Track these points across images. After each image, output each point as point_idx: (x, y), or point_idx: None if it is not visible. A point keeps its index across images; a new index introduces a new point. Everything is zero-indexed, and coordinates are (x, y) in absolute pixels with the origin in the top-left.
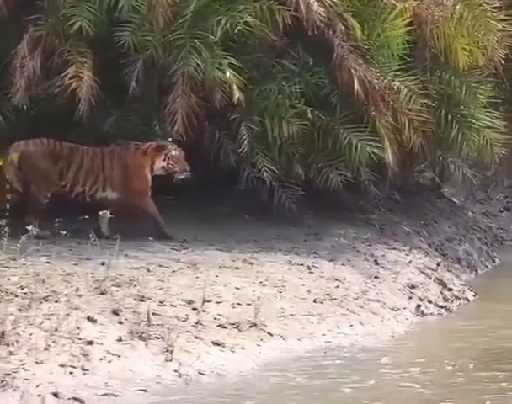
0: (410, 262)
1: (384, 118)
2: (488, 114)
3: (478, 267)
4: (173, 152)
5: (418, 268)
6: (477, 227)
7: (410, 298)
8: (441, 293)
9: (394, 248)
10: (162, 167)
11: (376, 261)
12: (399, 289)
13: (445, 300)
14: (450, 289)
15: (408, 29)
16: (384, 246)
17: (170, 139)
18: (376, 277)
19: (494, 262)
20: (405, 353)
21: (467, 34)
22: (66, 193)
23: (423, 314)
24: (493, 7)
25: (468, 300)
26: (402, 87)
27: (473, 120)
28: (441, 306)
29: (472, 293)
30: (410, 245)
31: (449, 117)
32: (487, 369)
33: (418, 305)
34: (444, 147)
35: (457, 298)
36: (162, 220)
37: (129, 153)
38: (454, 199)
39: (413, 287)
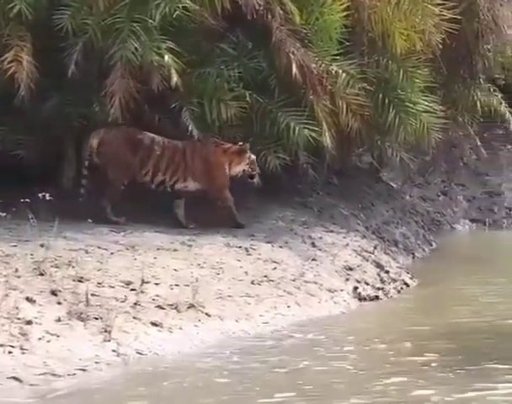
0: (347, 244)
1: (322, 102)
2: (425, 98)
3: (415, 250)
4: (252, 156)
5: (355, 250)
6: (415, 211)
7: (347, 280)
8: (378, 275)
9: (332, 231)
10: (244, 170)
11: (313, 243)
12: (336, 271)
13: (382, 282)
14: (387, 272)
15: (345, 13)
16: (322, 228)
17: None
18: (313, 259)
19: (431, 245)
20: (341, 334)
21: (405, 18)
22: (148, 181)
23: (360, 296)
24: None
25: (405, 283)
26: (340, 71)
27: (410, 105)
28: (378, 288)
29: (409, 275)
30: (348, 228)
31: (386, 101)
32: (420, 348)
33: (355, 287)
34: (381, 131)
35: (394, 280)
36: (236, 211)
37: (210, 149)
38: (391, 183)
39: (350, 269)
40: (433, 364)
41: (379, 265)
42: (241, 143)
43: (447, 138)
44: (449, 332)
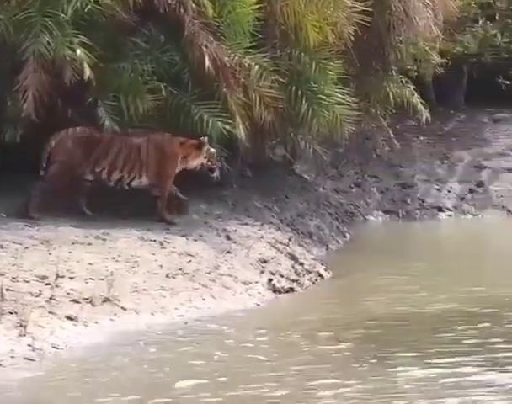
0: (262, 237)
1: (235, 94)
2: (337, 90)
3: (329, 242)
4: (212, 150)
5: (269, 242)
6: (328, 203)
7: (262, 272)
8: (293, 267)
9: (246, 224)
10: (202, 164)
11: (228, 236)
12: (251, 264)
13: (297, 274)
14: (301, 264)
15: (258, 6)
16: (236, 221)
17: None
18: (228, 252)
19: (345, 237)
20: (255, 326)
21: (317, 11)
22: (105, 179)
23: (274, 288)
24: None
25: (319, 275)
26: (253, 64)
27: (323, 97)
28: (293, 280)
29: (323, 267)
30: (262, 220)
31: (299, 93)
32: (333, 338)
33: (270, 279)
34: (295, 124)
35: (308, 272)
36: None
37: (166, 142)
38: (305, 176)
39: (264, 261)
40: (346, 353)
41: (293, 257)
42: (201, 137)
43: (360, 130)
44: (362, 321)
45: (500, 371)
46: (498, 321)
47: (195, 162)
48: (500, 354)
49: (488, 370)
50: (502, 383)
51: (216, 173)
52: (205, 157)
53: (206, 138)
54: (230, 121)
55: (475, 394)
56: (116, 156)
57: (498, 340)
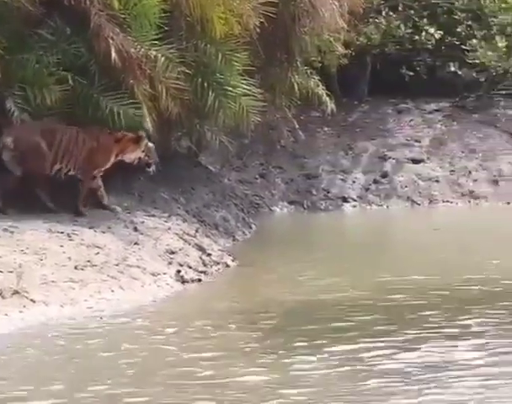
0: (169, 228)
1: (142, 86)
2: (243, 81)
3: (236, 233)
4: (150, 144)
5: (177, 234)
6: (234, 194)
7: (170, 263)
8: (200, 258)
9: (153, 215)
10: (140, 158)
11: (135, 228)
12: (159, 255)
13: (205, 265)
14: (209, 255)
15: None
16: (143, 213)
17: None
18: (135, 243)
19: (251, 228)
20: (163, 317)
21: (223, 2)
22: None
23: (182, 279)
24: None
25: (227, 265)
26: (159, 55)
27: (229, 88)
28: (201, 271)
29: (231, 258)
30: (169, 212)
31: (205, 85)
32: (243, 329)
33: (178, 271)
34: (201, 115)
35: (216, 263)
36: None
37: (102, 136)
38: (210, 167)
39: (172, 253)
40: (253, 343)
41: (201, 248)
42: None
43: (265, 121)
44: (269, 311)
45: (398, 359)
46: (399, 309)
47: (133, 156)
48: (400, 338)
49: (387, 357)
50: (399, 369)
51: (153, 168)
52: (143, 152)
53: (144, 133)
54: (137, 113)
55: (373, 382)
56: (58, 147)
57: (396, 327)
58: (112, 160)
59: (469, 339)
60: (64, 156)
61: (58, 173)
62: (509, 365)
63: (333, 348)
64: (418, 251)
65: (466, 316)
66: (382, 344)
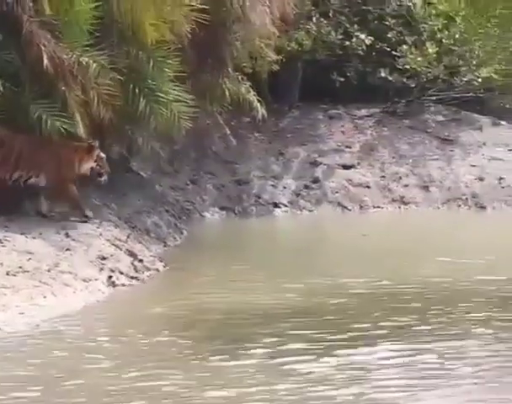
0: (101, 234)
1: (74, 92)
2: (175, 87)
3: (167, 238)
4: (102, 154)
5: (108, 240)
6: (165, 200)
7: (101, 269)
8: (132, 264)
9: (85, 221)
10: (92, 168)
11: (67, 234)
12: (91, 261)
13: (136, 270)
14: (140, 261)
15: (95, 4)
16: (75, 219)
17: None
18: (67, 249)
19: (182, 233)
20: (95, 324)
21: (154, 9)
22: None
23: (114, 284)
24: None
25: (158, 271)
26: (91, 62)
27: (161, 94)
28: (132, 277)
29: (162, 263)
30: (101, 218)
31: (137, 91)
32: (175, 334)
33: (110, 276)
34: (132, 121)
35: (148, 269)
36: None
37: (62, 147)
38: (142, 173)
39: (104, 259)
40: (185, 350)
41: (132, 254)
42: (89, 141)
43: (196, 127)
44: (200, 316)
45: (320, 361)
46: (328, 313)
47: (86, 166)
48: (322, 343)
49: (308, 360)
50: (320, 372)
51: (105, 178)
52: (95, 161)
53: (97, 142)
54: (69, 120)
55: (292, 382)
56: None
57: (324, 330)
58: (76, 170)
59: (386, 343)
60: (24, 165)
61: (17, 182)
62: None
63: (259, 351)
64: (345, 256)
65: (391, 320)
66: (304, 348)
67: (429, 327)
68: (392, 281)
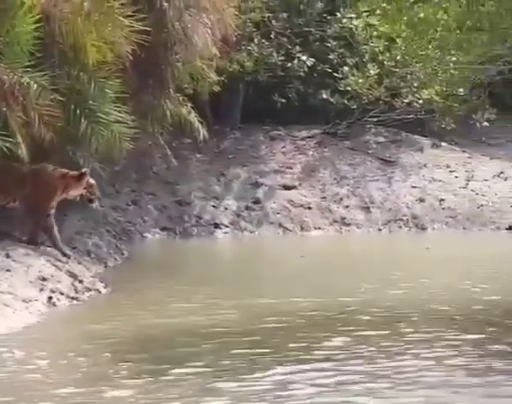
0: (41, 255)
1: (15, 113)
2: (116, 108)
3: (108, 259)
4: (92, 181)
5: (49, 260)
6: (106, 221)
7: (42, 290)
8: (72, 285)
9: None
10: (82, 195)
11: (7, 254)
12: (31, 282)
13: (77, 291)
14: (81, 281)
15: (37, 25)
16: (15, 239)
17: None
18: (7, 270)
19: (123, 254)
20: (34, 345)
21: (95, 30)
22: None
23: (54, 305)
24: (121, 4)
25: (99, 292)
26: (32, 82)
27: (102, 115)
28: (73, 298)
29: (103, 284)
30: (41, 238)
31: (78, 112)
32: (114, 355)
33: (50, 297)
34: (74, 142)
35: (88, 289)
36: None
37: (47, 173)
38: None
39: (44, 279)
40: (122, 372)
41: (73, 275)
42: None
43: (138, 148)
44: (140, 336)
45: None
46: (262, 333)
47: (76, 193)
48: (254, 362)
49: (238, 378)
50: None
51: (96, 204)
52: (85, 188)
53: (87, 170)
54: (11, 140)
55: (219, 400)
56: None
57: (258, 350)
58: (58, 197)
59: (314, 362)
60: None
61: None
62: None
63: (191, 370)
64: (283, 277)
65: (322, 341)
66: (238, 365)
67: (363, 346)
68: (326, 302)
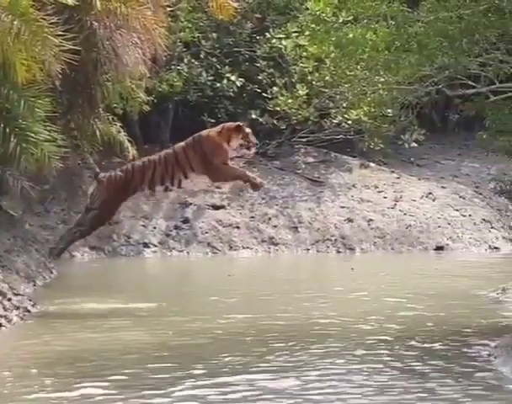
0: None
1: None
2: (46, 127)
3: (36, 278)
4: (247, 130)
5: None
6: (35, 239)
7: None
8: (1, 303)
9: None
10: (241, 145)
11: None
12: None
13: (5, 309)
14: (9, 300)
15: None
16: None
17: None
18: None
19: (52, 273)
20: None
21: (25, 49)
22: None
23: None
24: (50, 23)
25: (27, 310)
26: None
27: (31, 134)
28: (0, 316)
29: (31, 303)
30: None
31: (7, 130)
32: (41, 375)
33: None
34: (2, 160)
35: (16, 308)
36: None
37: (203, 138)
38: (12, 212)
39: None
40: (49, 389)
41: (1, 293)
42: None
43: (67, 167)
44: (68, 355)
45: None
46: (181, 351)
47: (234, 144)
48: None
49: (156, 394)
50: None
51: (253, 150)
52: (242, 138)
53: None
54: None
55: None
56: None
57: (179, 366)
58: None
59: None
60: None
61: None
62: None
63: (112, 384)
64: (209, 295)
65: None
66: (158, 382)
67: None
68: (249, 319)
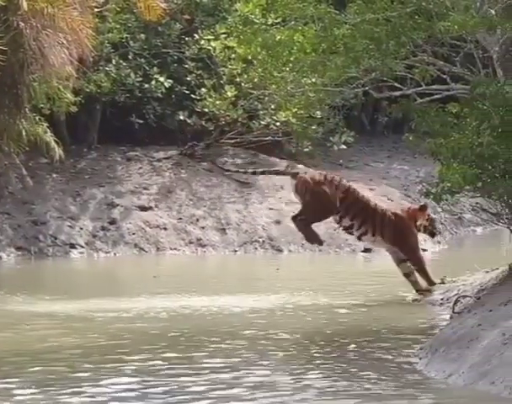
0: None
1: None
2: None
3: None
4: (432, 215)
5: None
6: None
7: None
8: None
9: None
10: (425, 227)
11: None
12: None
13: None
14: None
15: None
16: None
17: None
18: None
19: None
20: None
21: None
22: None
23: None
24: None
25: None
26: None
27: None
28: None
29: None
30: None
31: None
32: None
33: None
34: None
35: None
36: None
37: (402, 213)
38: None
39: None
40: None
41: None
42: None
43: None
44: None
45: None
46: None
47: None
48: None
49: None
50: None
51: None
52: (426, 220)
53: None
54: None
55: None
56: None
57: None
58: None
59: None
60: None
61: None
62: None
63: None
64: (136, 296)
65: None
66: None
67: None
68: (172, 317)
